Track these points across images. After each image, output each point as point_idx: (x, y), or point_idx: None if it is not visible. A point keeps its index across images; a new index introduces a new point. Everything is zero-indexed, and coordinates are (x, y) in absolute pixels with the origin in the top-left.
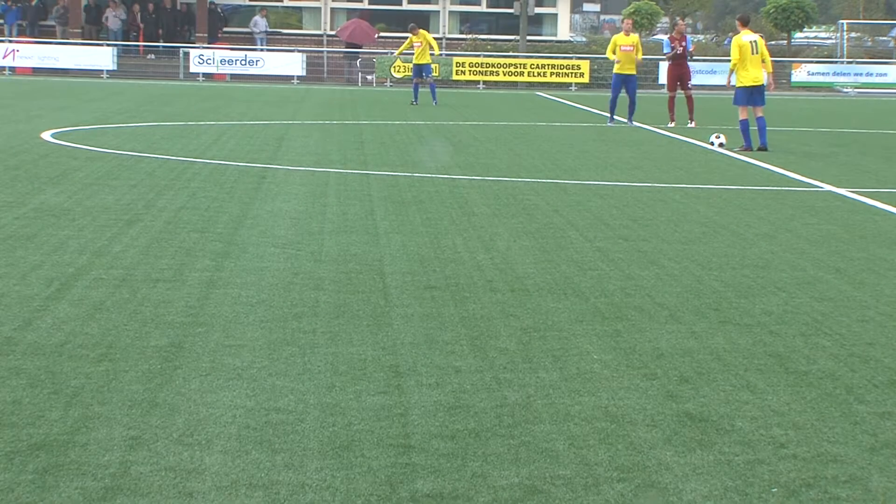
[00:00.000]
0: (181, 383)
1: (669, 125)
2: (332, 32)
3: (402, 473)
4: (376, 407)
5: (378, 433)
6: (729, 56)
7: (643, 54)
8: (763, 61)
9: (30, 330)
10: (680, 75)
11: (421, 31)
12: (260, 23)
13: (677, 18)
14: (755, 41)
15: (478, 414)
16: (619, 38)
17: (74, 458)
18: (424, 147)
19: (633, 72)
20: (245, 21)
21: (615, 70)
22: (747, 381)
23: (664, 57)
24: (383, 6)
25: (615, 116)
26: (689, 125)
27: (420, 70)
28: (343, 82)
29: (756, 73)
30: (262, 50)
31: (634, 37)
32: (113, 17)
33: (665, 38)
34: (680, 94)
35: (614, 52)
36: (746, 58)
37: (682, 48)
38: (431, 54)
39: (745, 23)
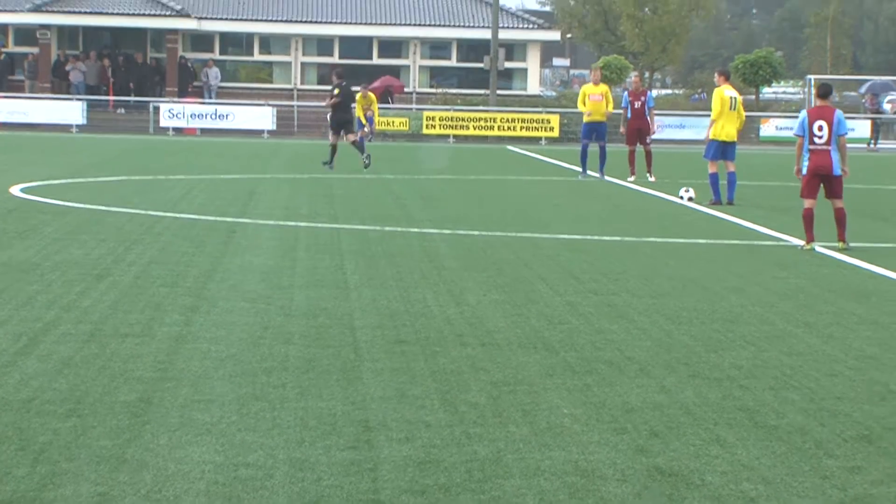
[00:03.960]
0: (150, 439)
1: (629, 179)
2: (303, 87)
3: None
4: (346, 462)
5: (347, 488)
6: (703, 111)
7: (613, 107)
8: (738, 118)
9: None
10: (638, 129)
11: (370, 94)
12: (211, 74)
13: (632, 74)
14: (735, 97)
15: (448, 469)
16: (588, 88)
17: None
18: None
19: (603, 119)
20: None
21: (584, 119)
22: (717, 436)
23: (622, 110)
24: (354, 60)
25: (587, 171)
26: (648, 179)
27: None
28: (317, 136)
29: (730, 129)
30: (232, 104)
31: (603, 86)
32: (74, 71)
33: (625, 92)
34: (640, 148)
35: (584, 103)
36: (724, 112)
37: (640, 103)
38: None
39: (727, 77)
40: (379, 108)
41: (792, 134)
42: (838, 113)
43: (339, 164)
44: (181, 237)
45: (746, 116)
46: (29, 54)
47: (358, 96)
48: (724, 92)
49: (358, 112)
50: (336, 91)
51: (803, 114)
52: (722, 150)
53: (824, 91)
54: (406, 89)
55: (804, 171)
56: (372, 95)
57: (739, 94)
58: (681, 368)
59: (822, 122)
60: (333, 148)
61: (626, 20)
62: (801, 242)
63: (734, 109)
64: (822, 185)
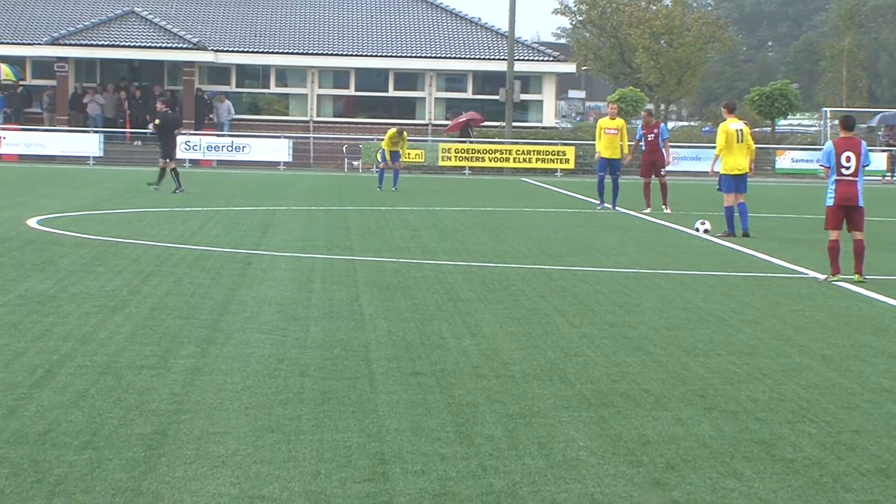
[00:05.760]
0: (165, 471)
1: (645, 210)
2: (319, 119)
3: None
4: (361, 494)
5: None
6: (711, 143)
7: (627, 142)
8: (748, 149)
9: (13, 418)
10: (652, 162)
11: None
12: (222, 108)
13: (644, 110)
14: (741, 129)
15: (463, 502)
16: (605, 122)
17: None
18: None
19: (618, 156)
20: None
21: (601, 155)
22: (734, 469)
23: (634, 142)
24: (369, 92)
25: (605, 202)
26: (664, 210)
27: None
28: (332, 167)
29: (741, 162)
30: (248, 136)
31: (619, 121)
32: (92, 103)
33: (639, 124)
34: (655, 180)
35: (600, 138)
36: (732, 145)
37: (654, 135)
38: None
39: (732, 110)
40: (458, 139)
41: (817, 165)
42: (863, 144)
43: (355, 196)
44: (197, 269)
45: (762, 148)
46: (47, 87)
47: (391, 133)
48: (729, 125)
49: (384, 144)
50: (157, 121)
51: (829, 145)
52: (735, 183)
53: (850, 123)
54: (422, 121)
55: (828, 202)
56: (405, 135)
57: (747, 126)
58: (697, 401)
59: (850, 154)
60: (166, 171)
61: (642, 52)
62: (818, 274)
63: (741, 142)
64: (845, 216)
